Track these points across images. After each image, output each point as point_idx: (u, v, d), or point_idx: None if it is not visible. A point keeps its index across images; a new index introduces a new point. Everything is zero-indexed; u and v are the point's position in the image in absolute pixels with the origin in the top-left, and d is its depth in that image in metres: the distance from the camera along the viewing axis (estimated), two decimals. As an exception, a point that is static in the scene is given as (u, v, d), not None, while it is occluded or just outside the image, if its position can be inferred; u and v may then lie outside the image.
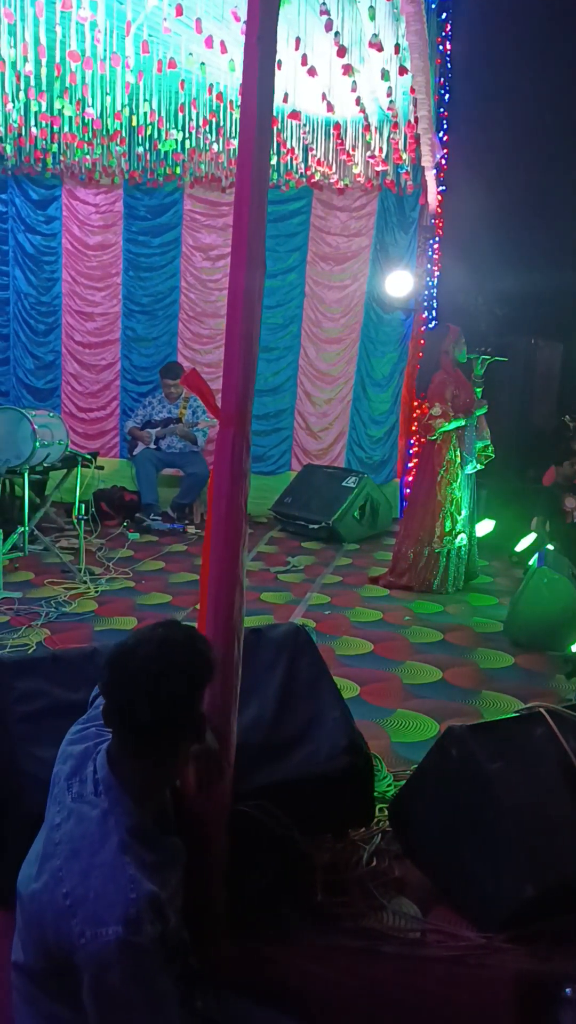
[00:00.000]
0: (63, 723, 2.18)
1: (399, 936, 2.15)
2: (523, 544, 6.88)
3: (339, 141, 6.77)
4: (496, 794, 2.17)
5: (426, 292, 8.34)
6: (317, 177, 7.83)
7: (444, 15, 6.45)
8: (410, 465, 8.43)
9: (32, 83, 5.73)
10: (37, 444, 5.74)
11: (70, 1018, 1.55)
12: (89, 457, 6.45)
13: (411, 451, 8.42)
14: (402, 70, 5.18)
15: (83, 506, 6.20)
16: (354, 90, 5.44)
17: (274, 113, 2.15)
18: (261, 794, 2.15)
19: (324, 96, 5.52)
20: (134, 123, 6.53)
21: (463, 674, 4.35)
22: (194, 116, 6.50)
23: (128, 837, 1.55)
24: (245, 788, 2.11)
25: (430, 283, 8.37)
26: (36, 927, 1.55)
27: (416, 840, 2.42)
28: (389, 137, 6.75)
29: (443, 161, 7.65)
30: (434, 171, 7.44)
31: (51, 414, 6.45)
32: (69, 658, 2.44)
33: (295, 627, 2.73)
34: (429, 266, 8.32)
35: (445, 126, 8.02)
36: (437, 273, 8.45)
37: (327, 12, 4.44)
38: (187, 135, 6.77)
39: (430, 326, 8.34)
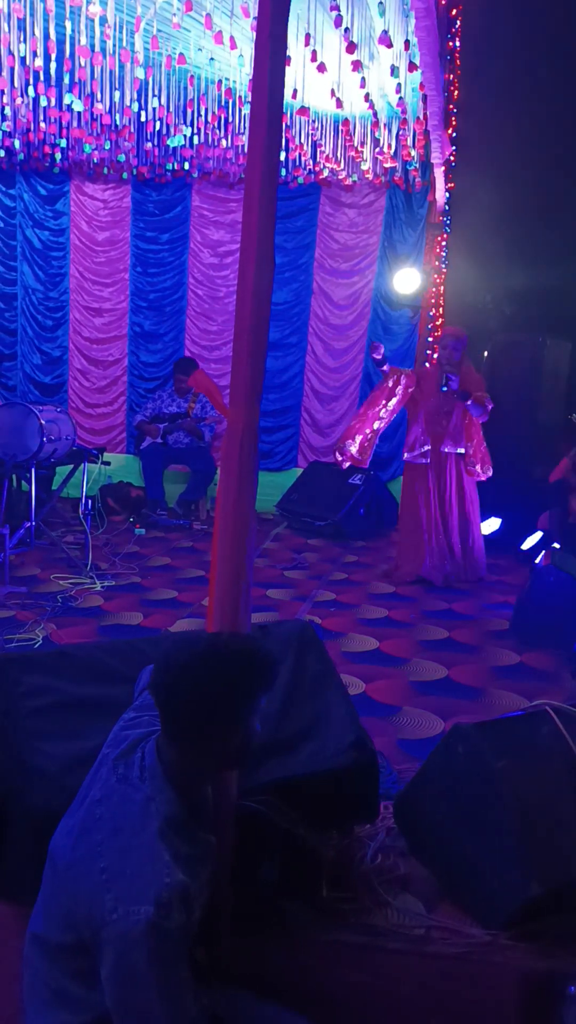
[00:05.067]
0: (71, 718, 2.20)
1: (404, 932, 2.15)
2: (529, 542, 6.86)
3: (348, 137, 6.76)
4: (502, 792, 2.17)
5: (434, 289, 8.32)
6: (325, 174, 7.82)
7: (454, 11, 6.43)
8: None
9: (41, 78, 5.74)
10: (44, 439, 5.76)
11: (81, 996, 1.57)
12: (96, 452, 6.47)
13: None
14: (411, 66, 5.17)
15: (90, 501, 6.21)
16: (363, 86, 5.43)
17: (283, 109, 2.15)
18: (267, 790, 2.16)
19: (333, 92, 5.52)
20: (143, 119, 6.54)
21: (469, 672, 4.34)
22: (203, 112, 6.50)
23: (166, 826, 1.58)
24: (251, 784, 2.12)
25: (437, 280, 8.35)
26: (67, 898, 1.58)
27: (421, 837, 2.42)
28: (398, 134, 6.74)
29: (452, 158, 7.63)
30: (443, 168, 7.42)
31: (58, 409, 6.47)
32: (77, 653, 2.44)
33: (302, 624, 2.74)
34: (437, 263, 8.30)
35: (454, 122, 8.00)
36: (445, 270, 8.43)
37: (337, 7, 4.43)
38: (196, 131, 6.77)
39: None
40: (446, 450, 6.08)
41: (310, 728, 2.39)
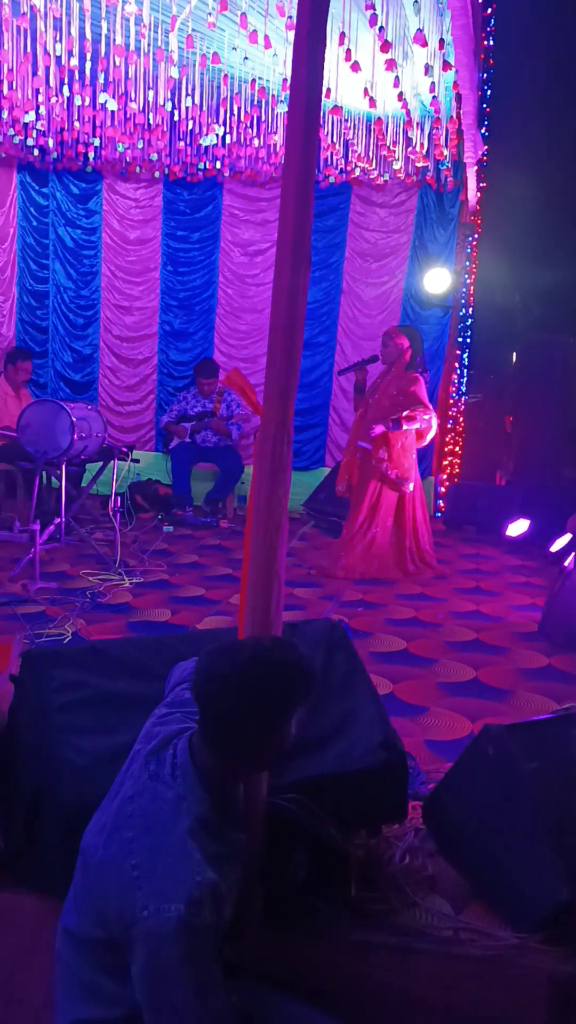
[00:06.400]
0: (101, 713, 2.22)
1: (432, 934, 2.15)
2: (559, 543, 6.81)
3: (380, 136, 6.75)
4: (532, 794, 2.15)
5: (463, 289, 8.29)
6: (357, 173, 7.80)
7: (489, 9, 6.39)
8: (445, 462, 8.40)
9: (76, 77, 5.78)
10: (75, 437, 5.80)
11: (111, 990, 1.58)
12: (126, 450, 6.50)
13: (447, 448, 8.39)
14: (446, 65, 5.15)
15: (119, 499, 6.25)
16: (397, 85, 5.42)
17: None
18: (296, 788, 2.16)
19: (367, 91, 5.51)
20: (176, 118, 6.56)
21: (497, 674, 4.32)
22: (236, 111, 6.52)
23: (197, 825, 1.59)
24: (280, 782, 2.12)
25: (468, 280, 8.32)
26: (99, 894, 1.59)
27: (450, 838, 2.41)
28: (431, 133, 6.71)
29: (484, 157, 7.59)
30: (476, 167, 7.39)
31: (89, 407, 6.51)
32: (108, 649, 2.46)
33: (331, 623, 2.74)
34: (467, 263, 8.26)
35: (486, 122, 7.96)
36: (475, 270, 8.39)
37: (372, 7, 4.42)
38: (228, 130, 6.78)
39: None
40: (359, 443, 6.25)
41: (339, 727, 2.39)
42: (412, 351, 6.11)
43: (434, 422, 6.18)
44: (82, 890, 1.67)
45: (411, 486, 6.15)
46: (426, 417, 6.06)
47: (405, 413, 5.99)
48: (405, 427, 6.01)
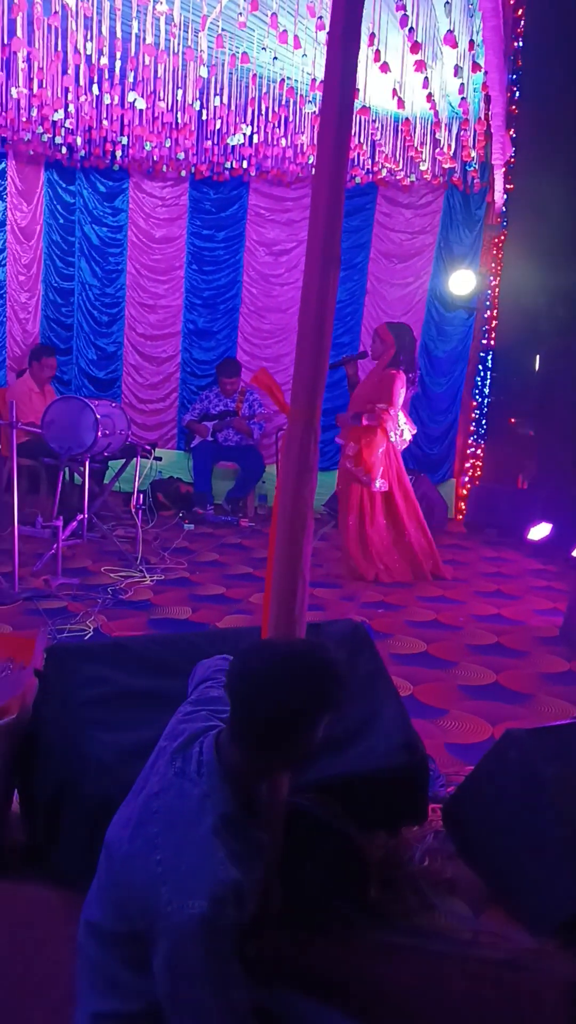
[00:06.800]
0: (125, 708, 2.23)
1: (451, 936, 2.15)
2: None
3: (408, 137, 6.73)
4: (554, 799, 2.15)
5: (488, 291, 8.25)
6: (383, 173, 7.79)
7: (520, 10, 6.36)
8: (468, 464, 8.37)
9: (106, 76, 5.80)
10: (99, 433, 5.83)
11: (132, 984, 1.59)
12: (149, 448, 6.53)
13: (469, 450, 8.36)
14: (475, 66, 5.14)
15: (141, 496, 6.28)
16: (426, 86, 5.41)
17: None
18: (317, 787, 2.16)
19: (395, 92, 5.50)
20: (203, 117, 6.58)
21: (518, 677, 4.31)
22: (264, 110, 6.52)
23: (221, 823, 1.59)
24: (301, 781, 2.13)
25: (493, 282, 8.28)
26: (123, 888, 1.60)
27: (470, 841, 2.40)
28: (458, 134, 6.69)
29: (512, 159, 7.55)
30: (504, 169, 7.36)
31: (113, 404, 6.55)
32: (131, 645, 2.48)
33: (354, 623, 2.74)
34: (493, 265, 8.23)
35: (514, 123, 7.92)
36: (500, 272, 8.35)
37: (403, 7, 4.41)
38: (255, 129, 6.79)
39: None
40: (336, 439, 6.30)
41: (361, 728, 2.39)
42: (397, 348, 6.07)
43: (403, 421, 6.08)
44: (106, 883, 1.68)
45: (379, 484, 6.03)
46: (381, 406, 5.96)
47: (379, 407, 5.96)
48: (365, 422, 5.99)
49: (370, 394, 6.06)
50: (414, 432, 6.34)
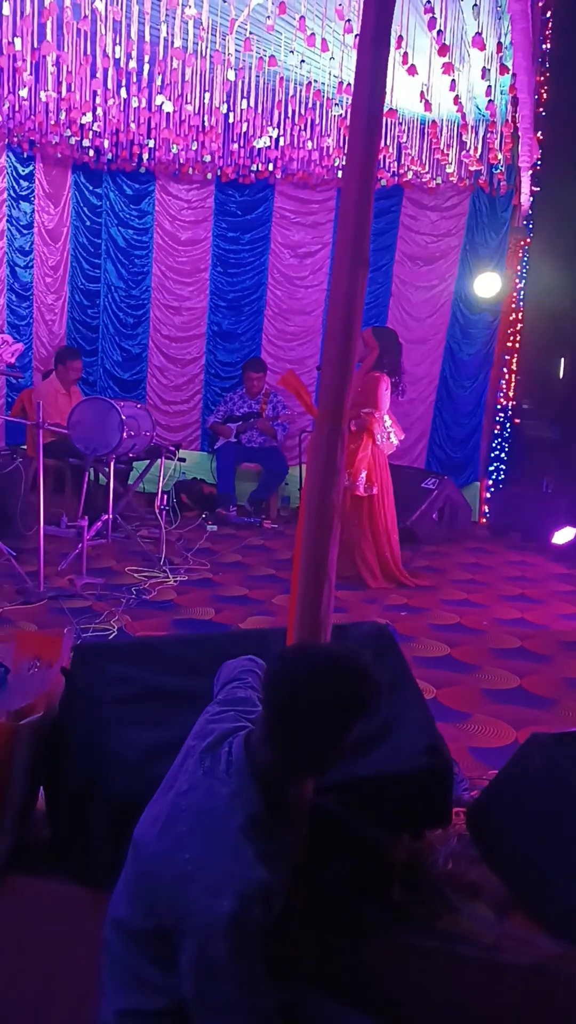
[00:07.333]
0: (151, 707, 2.24)
1: (474, 940, 2.14)
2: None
3: (434, 140, 6.72)
4: (579, 804, 2.14)
5: (514, 294, 8.22)
6: (409, 176, 7.78)
7: (548, 13, 6.34)
8: (491, 468, 8.34)
9: (134, 79, 5.84)
10: (124, 434, 5.86)
11: (158, 982, 1.60)
12: (173, 449, 6.56)
13: (493, 454, 8.33)
14: (503, 69, 5.12)
15: (165, 497, 6.30)
16: (453, 88, 5.40)
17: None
18: (341, 789, 2.16)
19: (423, 94, 5.49)
20: (230, 120, 6.60)
21: (541, 682, 4.29)
22: (291, 113, 6.53)
23: (249, 823, 1.60)
24: (325, 782, 2.13)
25: (518, 285, 8.25)
26: (151, 886, 1.61)
27: (494, 845, 2.39)
28: (485, 136, 6.67)
29: (538, 161, 7.52)
30: (530, 171, 7.33)
31: (138, 405, 6.58)
32: (158, 645, 2.49)
33: (378, 626, 2.74)
34: (518, 267, 8.20)
35: (542, 126, 7.89)
36: (526, 275, 8.32)
37: (431, 10, 4.41)
38: (282, 132, 6.81)
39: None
40: None
41: (385, 730, 2.38)
42: (381, 351, 6.03)
43: (388, 424, 6.01)
44: (133, 881, 1.69)
45: (364, 487, 5.92)
46: (367, 411, 5.90)
47: (364, 411, 5.91)
48: (353, 428, 5.89)
49: (355, 398, 5.99)
50: (401, 438, 6.26)
